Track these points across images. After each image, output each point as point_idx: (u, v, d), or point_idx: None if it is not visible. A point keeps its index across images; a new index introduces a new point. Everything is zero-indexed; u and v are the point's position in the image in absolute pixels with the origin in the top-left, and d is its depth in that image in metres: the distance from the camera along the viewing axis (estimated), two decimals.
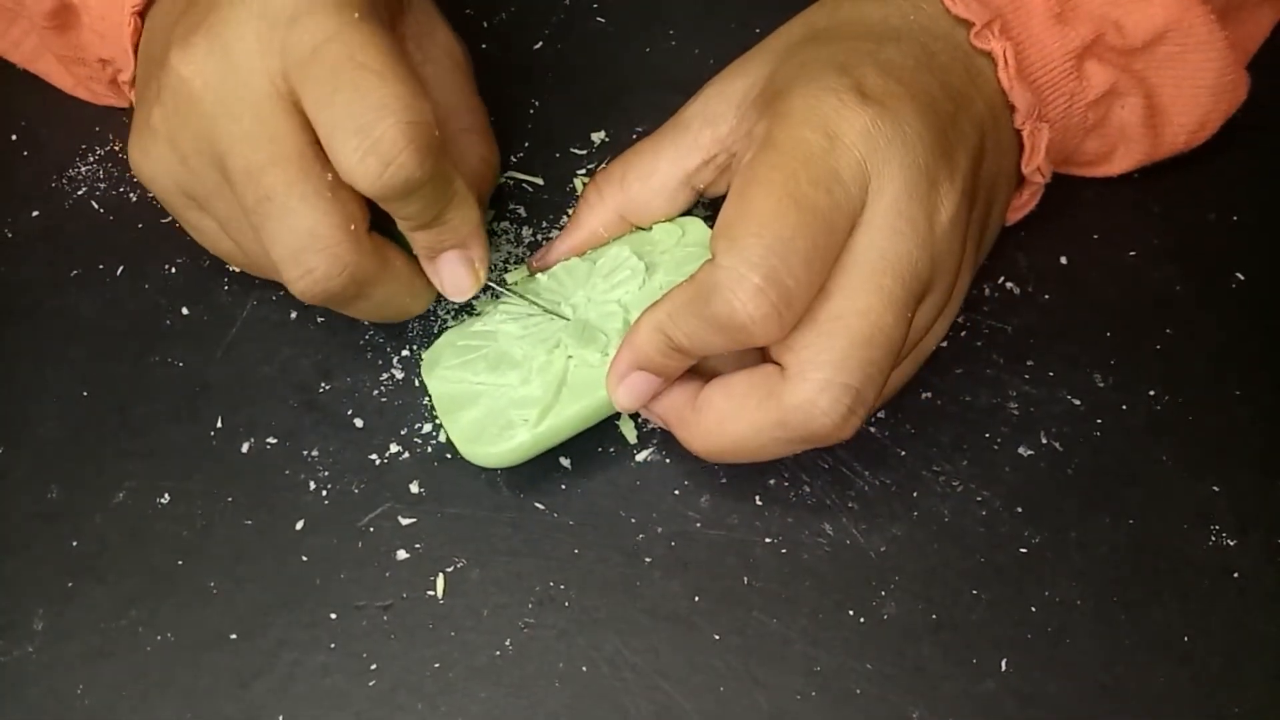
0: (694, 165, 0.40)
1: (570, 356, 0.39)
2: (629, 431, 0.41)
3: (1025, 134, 0.40)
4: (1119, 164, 0.44)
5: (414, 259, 0.39)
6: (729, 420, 0.36)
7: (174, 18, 0.38)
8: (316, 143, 0.35)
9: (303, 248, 0.35)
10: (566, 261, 0.42)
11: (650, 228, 0.42)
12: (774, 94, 0.37)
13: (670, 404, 0.38)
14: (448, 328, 0.43)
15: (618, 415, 0.40)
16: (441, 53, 0.42)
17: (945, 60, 0.38)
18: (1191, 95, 0.42)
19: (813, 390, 0.34)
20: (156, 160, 0.38)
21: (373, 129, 0.33)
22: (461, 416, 0.39)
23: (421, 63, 0.41)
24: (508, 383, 0.39)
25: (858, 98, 0.35)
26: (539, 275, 0.42)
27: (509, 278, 0.43)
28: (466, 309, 0.43)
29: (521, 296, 0.41)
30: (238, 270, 0.45)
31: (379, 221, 0.38)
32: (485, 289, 0.40)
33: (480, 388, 0.39)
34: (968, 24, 0.38)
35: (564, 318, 0.40)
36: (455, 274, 0.39)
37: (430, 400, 0.41)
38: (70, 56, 0.45)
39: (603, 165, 0.45)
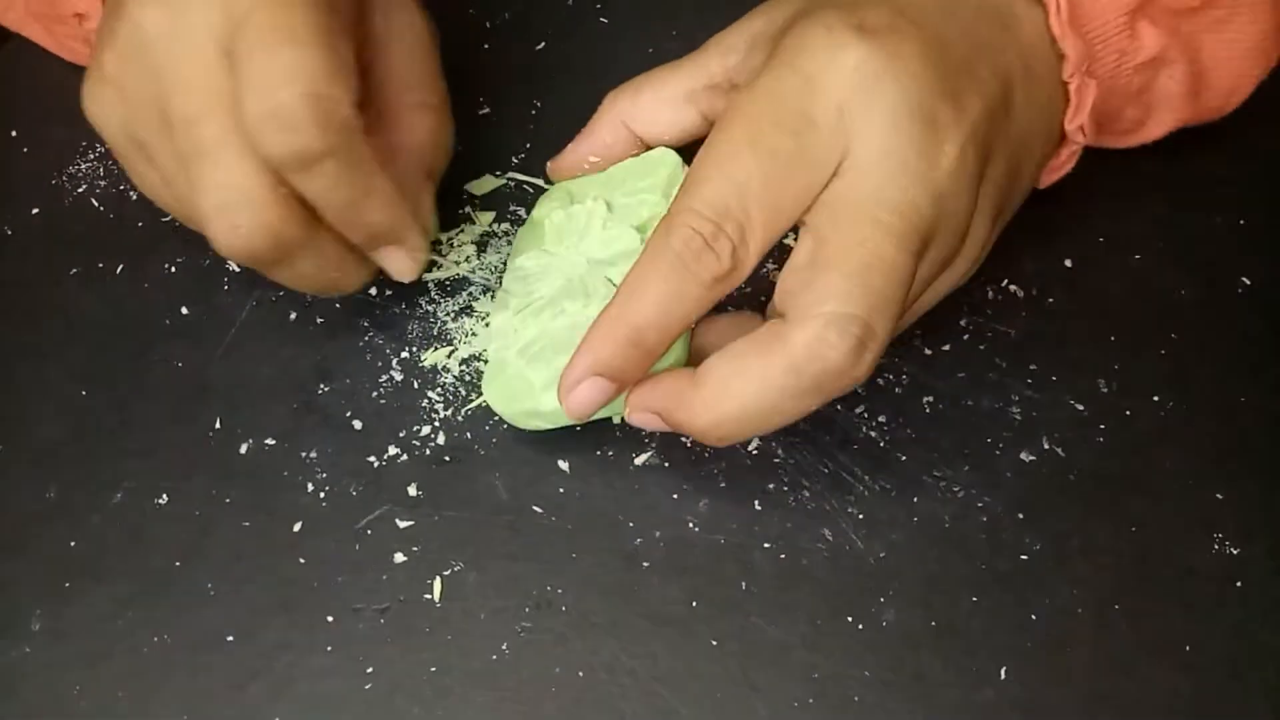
0: (700, 85, 0.41)
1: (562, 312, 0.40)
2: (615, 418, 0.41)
3: (1073, 88, 0.39)
4: (1153, 131, 0.43)
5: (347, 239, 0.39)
6: (734, 381, 0.34)
7: None
8: None
9: (229, 202, 0.35)
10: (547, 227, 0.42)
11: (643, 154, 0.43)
12: (784, 28, 0.37)
13: (664, 389, 0.36)
14: (447, 329, 0.43)
15: None
16: (405, 27, 0.41)
17: (975, 6, 0.37)
18: (1230, 58, 0.41)
19: (820, 325, 0.33)
20: (106, 103, 0.38)
21: (276, 93, 0.33)
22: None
23: (384, 34, 0.41)
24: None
25: (853, 34, 0.34)
26: (522, 262, 0.42)
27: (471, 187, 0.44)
28: (466, 311, 0.43)
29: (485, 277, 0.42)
30: (238, 270, 0.44)
31: None
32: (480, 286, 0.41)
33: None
34: None
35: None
36: (394, 264, 0.40)
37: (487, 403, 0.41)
38: (50, 14, 0.46)
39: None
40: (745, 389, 0.34)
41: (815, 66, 0.34)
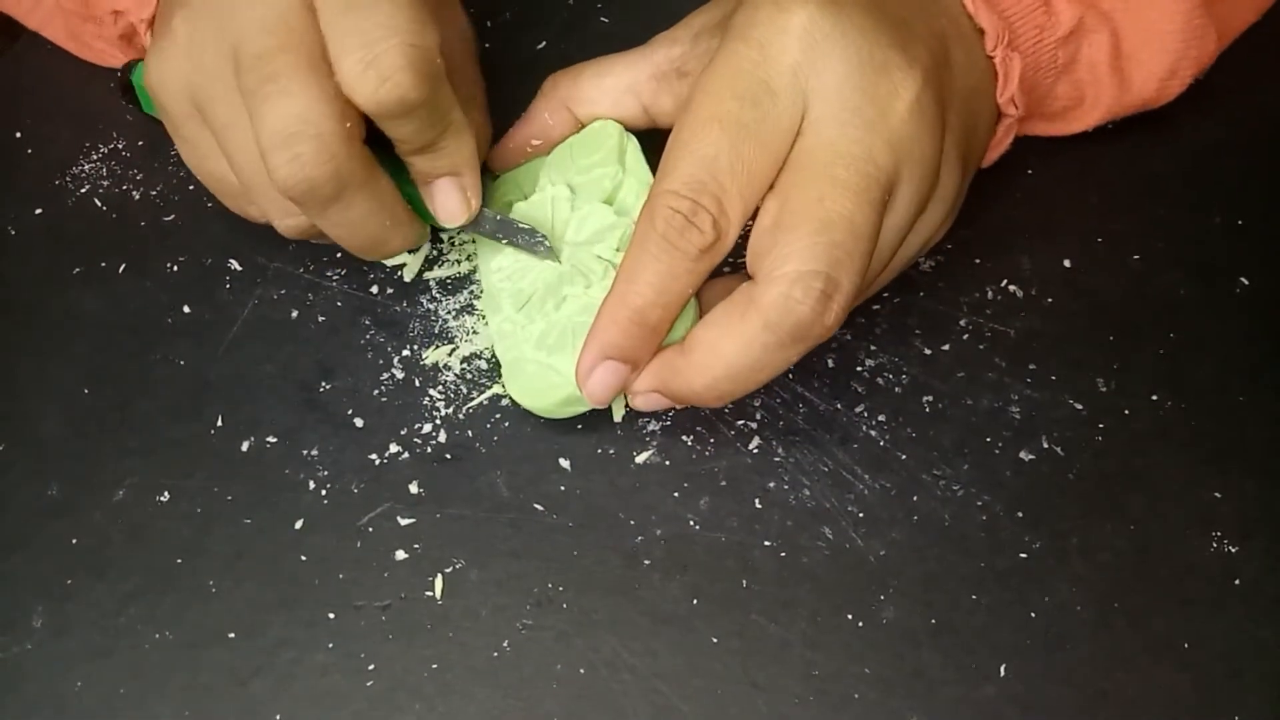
0: (643, 76, 0.42)
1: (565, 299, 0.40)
2: (618, 408, 0.41)
3: (997, 61, 0.40)
4: (1089, 114, 0.44)
5: (399, 192, 0.39)
6: (719, 343, 0.36)
7: None
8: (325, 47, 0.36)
9: (295, 132, 0.35)
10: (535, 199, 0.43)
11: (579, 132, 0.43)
12: (730, 14, 0.38)
13: (657, 366, 0.38)
14: (448, 327, 0.43)
15: None
16: (449, 23, 0.42)
17: None
18: (1159, 40, 0.43)
19: (785, 285, 0.35)
20: (171, 64, 0.38)
21: (376, 45, 0.34)
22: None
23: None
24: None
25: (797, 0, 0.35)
26: (500, 262, 0.42)
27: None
28: (467, 310, 0.43)
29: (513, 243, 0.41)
30: (240, 269, 0.45)
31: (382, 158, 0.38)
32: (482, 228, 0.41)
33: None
34: None
35: (553, 259, 0.41)
36: (448, 200, 0.40)
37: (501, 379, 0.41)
38: (81, 13, 0.46)
39: None
40: (729, 350, 0.36)
41: (766, 35, 0.35)
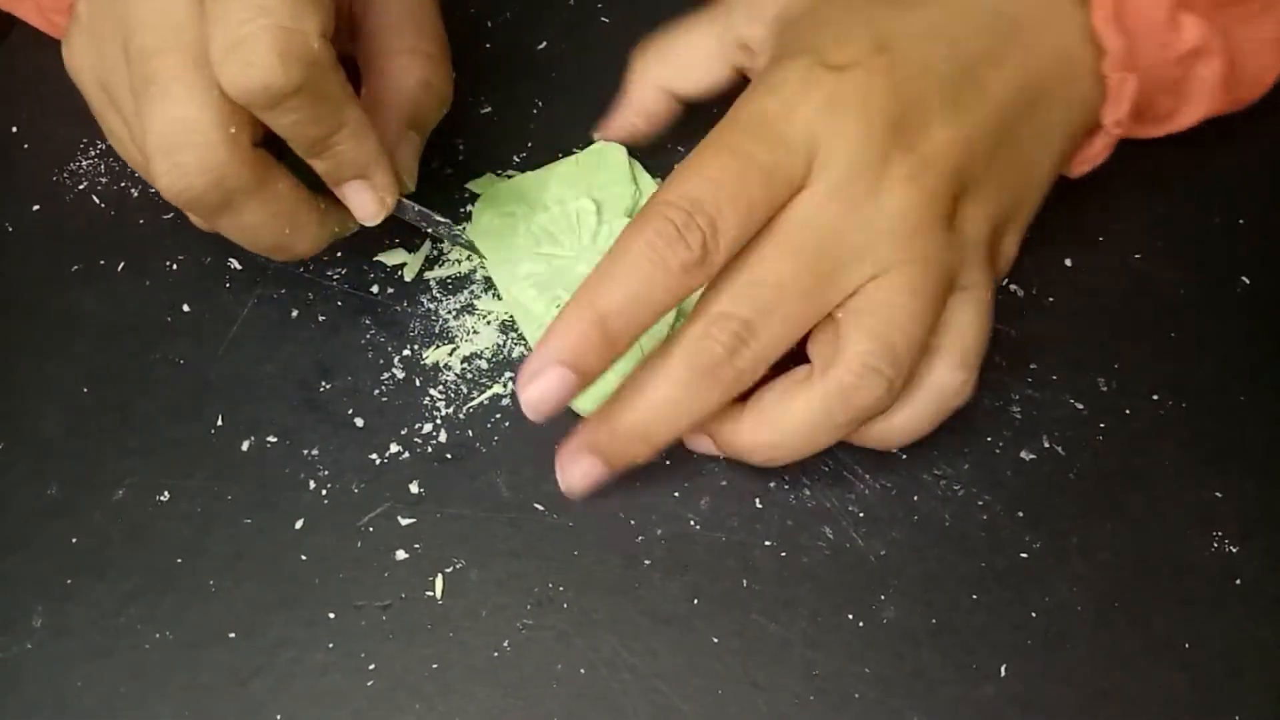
0: (729, 43, 0.43)
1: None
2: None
3: (1113, 83, 0.40)
4: (1183, 120, 0.44)
5: (304, 191, 0.38)
6: (776, 408, 0.37)
7: None
8: None
9: (175, 140, 0.34)
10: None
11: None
12: (778, 40, 0.39)
13: (719, 414, 0.37)
14: (449, 327, 0.43)
15: None
16: None
17: (979, 21, 0.38)
18: (1262, 50, 0.43)
19: (856, 356, 0.35)
20: (79, 52, 0.38)
21: (241, 27, 0.33)
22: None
23: None
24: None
25: (825, 70, 0.36)
26: (529, 268, 0.43)
27: (472, 186, 0.45)
28: (468, 309, 0.43)
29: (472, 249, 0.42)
30: (240, 268, 0.44)
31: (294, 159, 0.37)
32: (455, 240, 0.42)
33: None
34: None
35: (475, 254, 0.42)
36: (360, 202, 0.38)
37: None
38: None
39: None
40: (786, 417, 0.36)
41: (791, 97, 0.36)
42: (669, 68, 0.44)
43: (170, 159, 0.34)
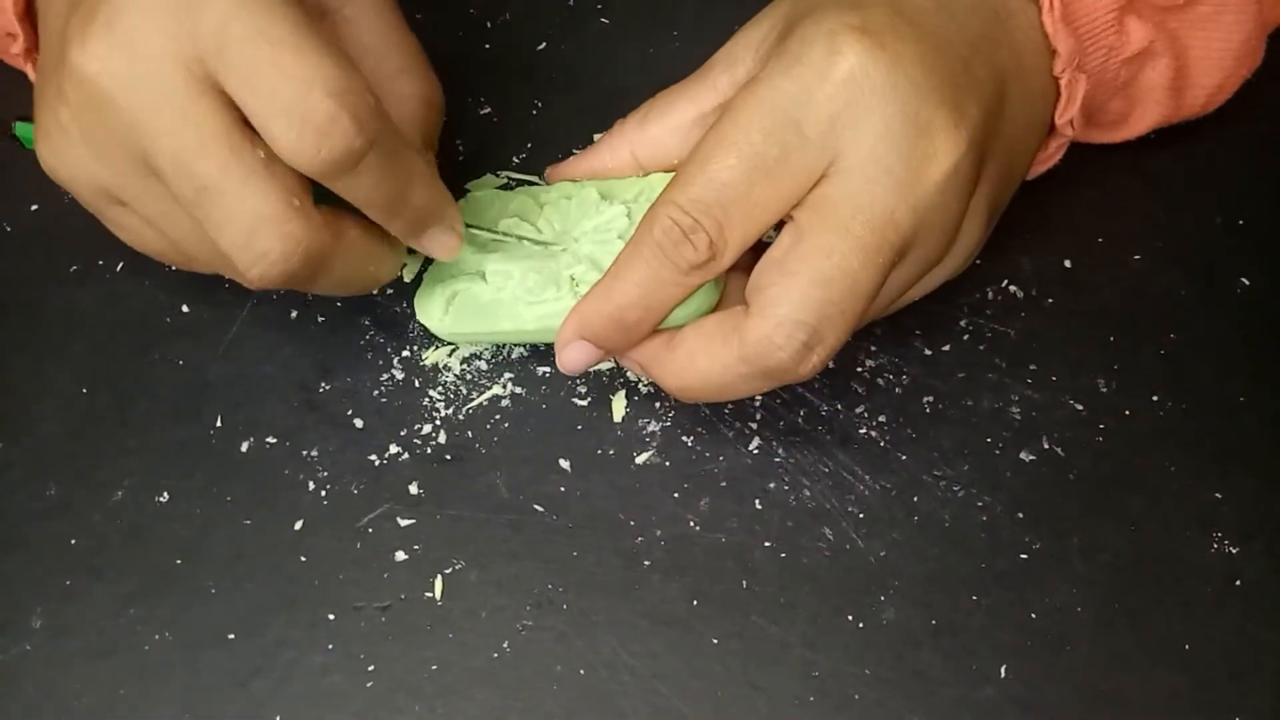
0: (709, 107, 0.40)
1: (577, 285, 0.40)
2: (618, 408, 0.41)
3: (1064, 82, 0.40)
4: (1136, 126, 0.44)
5: (370, 225, 0.38)
6: (698, 356, 0.37)
7: (65, 4, 0.36)
8: (242, 120, 0.34)
9: (252, 232, 0.34)
10: (545, 199, 0.43)
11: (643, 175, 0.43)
12: (786, 32, 0.37)
13: (647, 348, 0.38)
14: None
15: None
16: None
17: (971, 3, 0.37)
18: (1218, 58, 0.43)
19: (770, 326, 0.35)
20: (73, 162, 0.36)
21: (300, 104, 0.32)
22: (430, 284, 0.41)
23: (341, 5, 0.40)
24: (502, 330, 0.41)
25: (856, 35, 0.34)
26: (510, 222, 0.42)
27: (471, 186, 0.44)
28: None
29: (515, 236, 0.41)
30: None
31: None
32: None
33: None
34: None
35: (545, 243, 0.41)
36: (440, 244, 0.39)
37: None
38: None
39: None
40: (705, 366, 0.37)
41: (812, 75, 0.34)
42: (644, 135, 0.42)
43: (253, 252, 0.34)
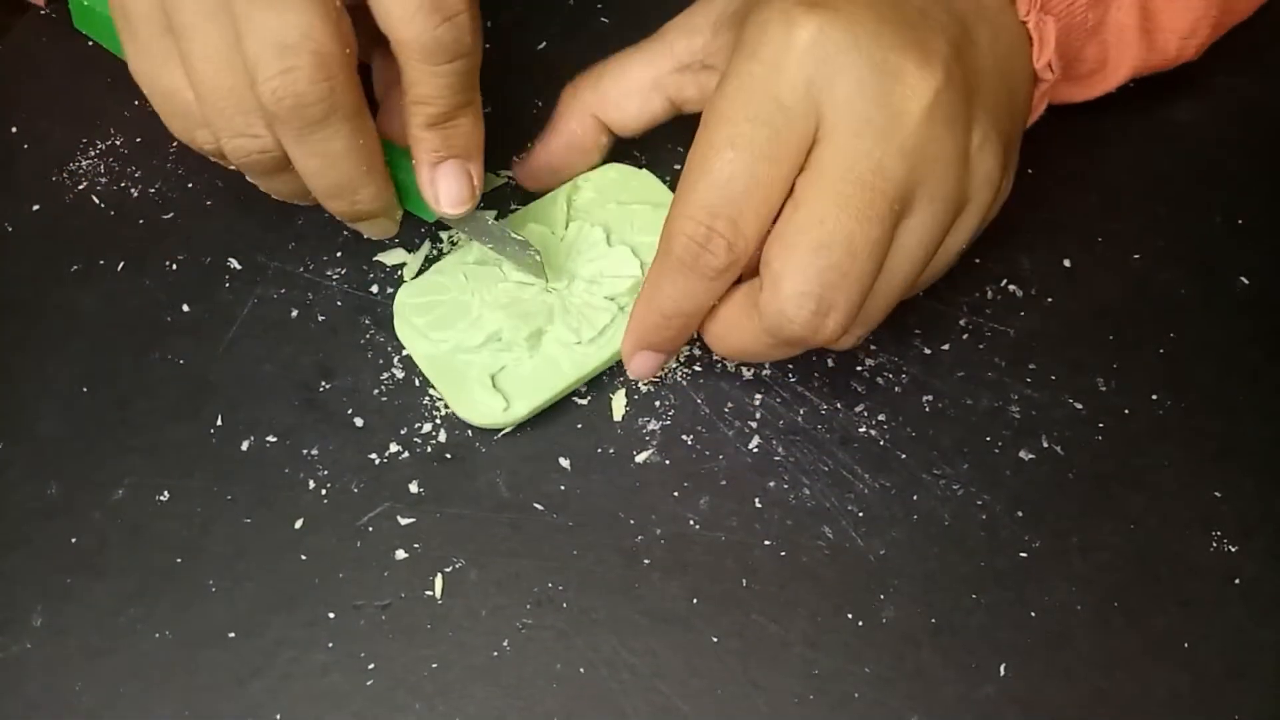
0: (666, 69, 0.41)
1: (546, 331, 0.41)
2: (617, 407, 0.41)
3: (1031, 25, 0.40)
4: (1113, 76, 0.44)
5: (382, 143, 0.38)
6: (732, 329, 0.38)
7: None
8: None
9: (293, 44, 0.34)
10: (530, 227, 0.43)
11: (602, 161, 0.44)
12: (744, 13, 0.37)
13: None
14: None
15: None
16: None
17: None
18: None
19: (779, 301, 0.35)
20: None
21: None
22: (451, 380, 0.41)
23: None
24: (472, 343, 0.41)
25: (804, 10, 0.35)
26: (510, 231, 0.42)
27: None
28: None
29: (514, 236, 0.41)
30: (240, 267, 0.44)
31: None
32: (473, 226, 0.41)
33: (453, 349, 0.41)
34: None
35: (543, 278, 0.42)
36: (453, 184, 0.39)
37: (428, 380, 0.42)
38: None
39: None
40: (738, 338, 0.38)
41: (776, 51, 0.35)
42: (601, 97, 0.42)
43: (286, 61, 0.34)
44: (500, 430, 0.41)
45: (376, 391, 0.42)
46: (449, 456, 0.40)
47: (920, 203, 0.35)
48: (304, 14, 0.34)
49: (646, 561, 0.39)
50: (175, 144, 0.41)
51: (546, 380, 0.40)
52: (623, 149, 0.45)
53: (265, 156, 0.37)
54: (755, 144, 0.35)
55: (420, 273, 0.44)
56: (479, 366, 0.40)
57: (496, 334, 0.41)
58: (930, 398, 0.41)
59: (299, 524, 0.39)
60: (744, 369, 0.42)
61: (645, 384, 0.42)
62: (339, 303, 0.44)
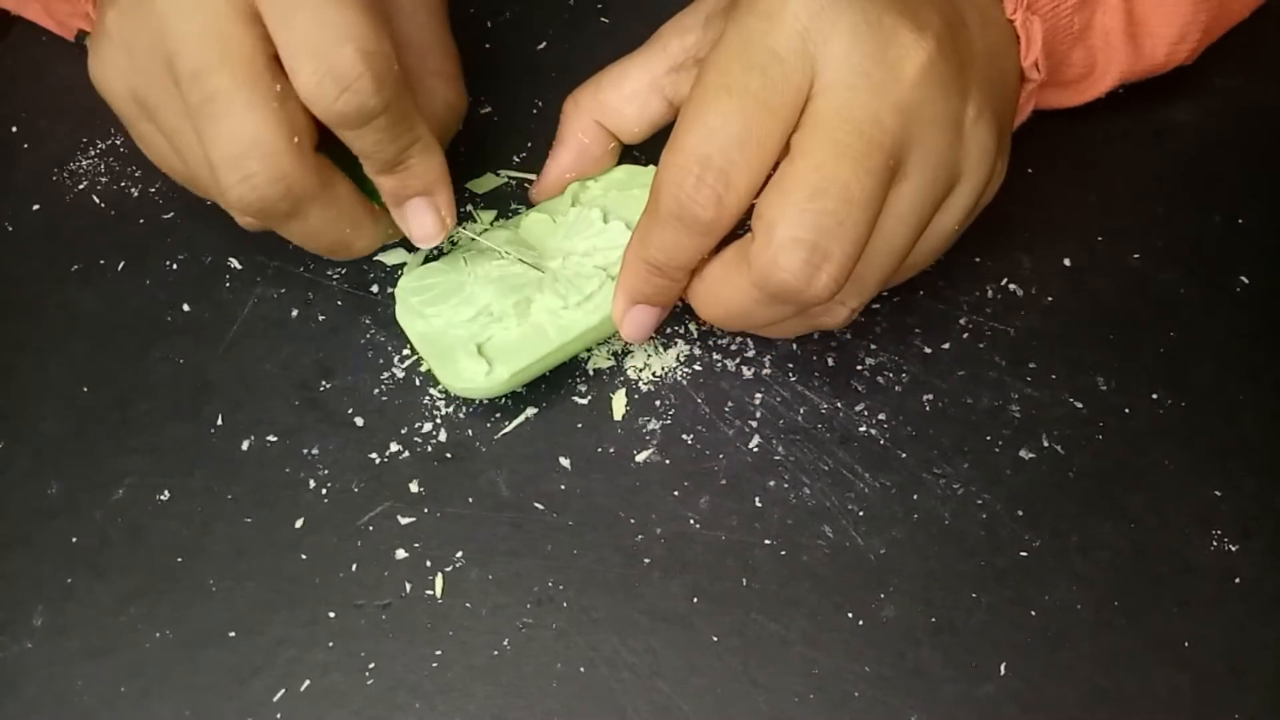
0: (661, 71, 0.42)
1: (535, 300, 0.41)
2: (618, 407, 0.41)
3: (1018, 24, 0.40)
4: (1100, 82, 0.44)
5: (361, 194, 0.39)
6: (720, 286, 0.37)
7: None
8: (271, 55, 0.35)
9: (243, 153, 0.35)
10: (533, 216, 0.43)
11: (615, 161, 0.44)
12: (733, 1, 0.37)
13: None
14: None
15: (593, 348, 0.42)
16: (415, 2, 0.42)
17: None
18: (1171, 4, 0.43)
19: (771, 248, 0.34)
20: (110, 65, 0.38)
21: (331, 52, 0.34)
22: (439, 353, 0.40)
23: (397, 1, 0.41)
24: (463, 317, 0.41)
25: None
26: (505, 231, 0.43)
27: (473, 229, 0.44)
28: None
29: (500, 251, 0.42)
30: (240, 267, 0.45)
31: (349, 170, 0.38)
32: (457, 240, 0.42)
33: (445, 325, 0.41)
34: None
35: (539, 269, 0.42)
36: (421, 221, 0.40)
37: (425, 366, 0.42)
38: None
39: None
40: (726, 296, 0.37)
41: (772, 4, 0.35)
42: (601, 105, 0.43)
43: (240, 172, 0.35)
44: (499, 430, 0.41)
45: (377, 391, 0.42)
46: (449, 456, 0.40)
47: (914, 166, 0.35)
48: (247, 121, 0.35)
49: (647, 561, 0.39)
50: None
51: (531, 345, 0.40)
52: (624, 151, 0.45)
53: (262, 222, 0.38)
54: (751, 91, 0.35)
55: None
56: (467, 336, 0.41)
57: (487, 307, 0.41)
58: (930, 397, 0.41)
59: (299, 523, 0.39)
60: (744, 368, 0.42)
61: (645, 384, 0.42)
62: (339, 302, 0.44)
